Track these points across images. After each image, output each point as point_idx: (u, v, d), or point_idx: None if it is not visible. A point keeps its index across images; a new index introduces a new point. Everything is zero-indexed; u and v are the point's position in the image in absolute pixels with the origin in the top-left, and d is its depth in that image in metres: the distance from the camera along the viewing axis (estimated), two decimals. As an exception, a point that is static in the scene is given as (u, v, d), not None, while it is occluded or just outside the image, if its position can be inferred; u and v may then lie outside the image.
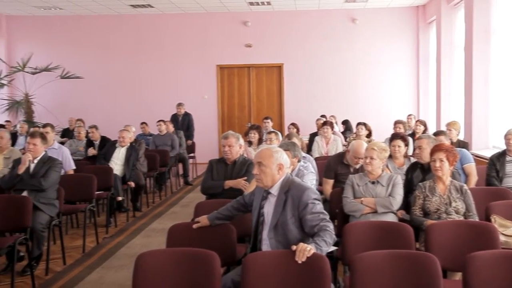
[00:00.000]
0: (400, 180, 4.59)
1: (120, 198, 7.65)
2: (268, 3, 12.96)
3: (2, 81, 13.06)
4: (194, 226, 3.80)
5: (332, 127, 8.81)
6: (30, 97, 13.09)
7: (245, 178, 5.08)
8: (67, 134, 11.58)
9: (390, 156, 5.40)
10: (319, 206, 3.43)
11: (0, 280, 5.15)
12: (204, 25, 14.09)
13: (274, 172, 3.49)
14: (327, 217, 3.41)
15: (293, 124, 10.24)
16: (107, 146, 8.39)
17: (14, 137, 9.47)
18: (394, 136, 5.85)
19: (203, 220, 3.83)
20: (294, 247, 3.08)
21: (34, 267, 5.24)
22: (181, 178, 11.23)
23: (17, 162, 5.75)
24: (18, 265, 5.26)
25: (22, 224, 4.94)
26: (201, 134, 13.14)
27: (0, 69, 13.33)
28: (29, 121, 12.40)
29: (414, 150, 5.54)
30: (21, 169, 5.50)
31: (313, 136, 9.30)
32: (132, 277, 3.06)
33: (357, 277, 3.04)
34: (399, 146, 5.58)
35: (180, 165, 11.13)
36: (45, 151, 5.90)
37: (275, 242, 3.43)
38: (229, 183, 5.10)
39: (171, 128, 10.97)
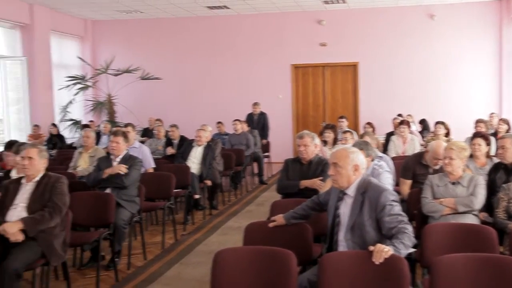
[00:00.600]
0: (482, 181, 4.42)
1: (197, 196, 7.81)
2: (344, 1, 12.83)
3: (87, 83, 13.68)
4: (270, 225, 3.83)
5: (409, 126, 8.62)
6: (112, 98, 13.63)
7: (321, 178, 5.05)
8: (146, 133, 11.98)
9: (471, 156, 5.23)
10: (397, 208, 3.37)
11: (85, 273, 5.41)
12: (278, 25, 14.14)
13: (350, 173, 3.46)
14: (406, 219, 3.34)
15: (368, 123, 10.07)
16: (184, 145, 8.59)
17: (97, 136, 9.90)
18: (475, 135, 5.65)
19: (279, 219, 3.85)
20: (371, 248, 3.04)
21: (117, 262, 5.43)
22: (256, 177, 11.33)
23: (101, 160, 6.01)
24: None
25: (106, 220, 5.14)
26: (276, 133, 13.19)
27: (86, 72, 13.99)
28: (112, 121, 12.90)
29: (497, 150, 5.32)
30: (106, 174, 5.71)
31: (389, 135, 9.14)
32: (211, 273, 3.13)
33: (437, 280, 2.96)
34: (479, 145, 5.38)
35: (255, 164, 11.22)
36: (127, 149, 6.11)
37: (352, 243, 3.40)
38: (304, 183, 5.09)
39: (246, 127, 11.09)
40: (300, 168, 5.25)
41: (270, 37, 14.22)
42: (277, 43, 14.17)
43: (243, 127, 10.89)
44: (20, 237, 4.01)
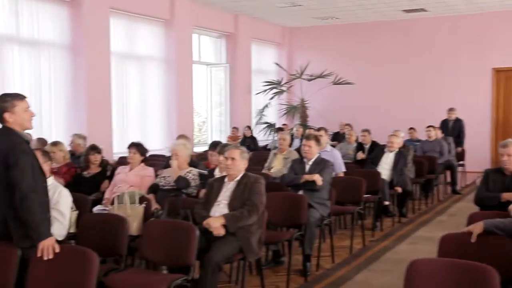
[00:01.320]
0: None
1: (387, 203, 7.71)
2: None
3: (282, 88, 14.29)
4: (473, 239, 3.54)
5: None
6: (305, 102, 14.05)
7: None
8: (337, 137, 12.12)
9: None
10: None
11: (277, 271, 5.67)
12: (480, 26, 13.31)
13: None
14: None
15: None
16: (376, 150, 8.54)
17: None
18: None
19: (477, 227, 3.57)
20: None
21: (308, 266, 5.55)
22: (448, 186, 10.81)
23: (295, 162, 6.23)
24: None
25: (298, 220, 5.31)
26: (472, 141, 12.35)
27: (281, 77, 14.63)
28: (304, 124, 13.29)
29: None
30: (304, 180, 5.85)
31: None
32: (404, 283, 3.05)
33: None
34: None
35: (448, 173, 10.71)
36: (319, 153, 6.25)
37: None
38: (506, 196, 4.75)
39: (440, 134, 10.66)
40: (502, 180, 4.89)
41: (469, 39, 13.44)
42: (477, 45, 13.34)
43: (437, 134, 10.48)
44: (222, 232, 4.35)
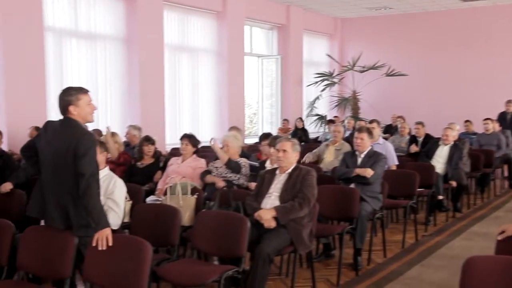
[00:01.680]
0: None
1: (440, 197, 7.56)
2: None
3: (334, 80, 14.17)
4: (500, 237, 3.41)
5: None
6: (357, 94, 13.88)
7: None
8: (389, 130, 11.93)
9: None
10: None
11: (328, 264, 5.64)
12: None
13: None
14: None
15: None
16: (430, 143, 8.36)
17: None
18: None
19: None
20: None
21: (359, 260, 5.50)
22: (506, 180, 10.48)
23: (347, 155, 6.15)
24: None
25: (349, 214, 5.27)
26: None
27: (333, 69, 14.50)
28: (355, 117, 13.16)
29: None
30: (355, 173, 5.77)
31: None
32: (460, 280, 2.96)
33: None
34: None
35: (506, 167, 10.38)
36: (371, 146, 6.16)
37: None
38: None
39: (497, 127, 10.33)
40: None
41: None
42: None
43: (494, 127, 10.16)
44: (273, 224, 4.36)
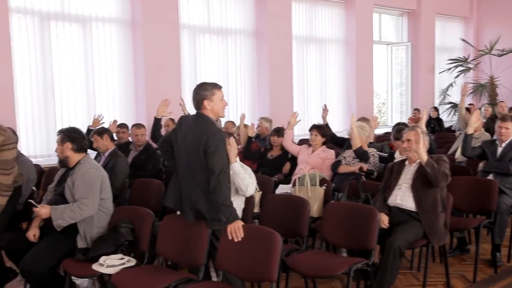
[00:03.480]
0: None
1: None
2: None
3: (469, 65, 13.43)
4: None
5: None
6: (494, 80, 13.05)
7: None
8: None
9: None
10: None
11: (463, 260, 5.41)
12: None
13: None
14: None
15: None
16: None
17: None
18: None
19: None
20: None
21: (498, 257, 5.21)
22: None
23: (486, 144, 5.73)
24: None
25: (487, 207, 4.99)
26: None
27: (468, 54, 13.72)
28: (493, 103, 12.37)
29: None
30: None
31: None
32: None
33: None
34: None
35: None
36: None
37: None
38: None
39: None
40: None
41: None
42: None
43: None
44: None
